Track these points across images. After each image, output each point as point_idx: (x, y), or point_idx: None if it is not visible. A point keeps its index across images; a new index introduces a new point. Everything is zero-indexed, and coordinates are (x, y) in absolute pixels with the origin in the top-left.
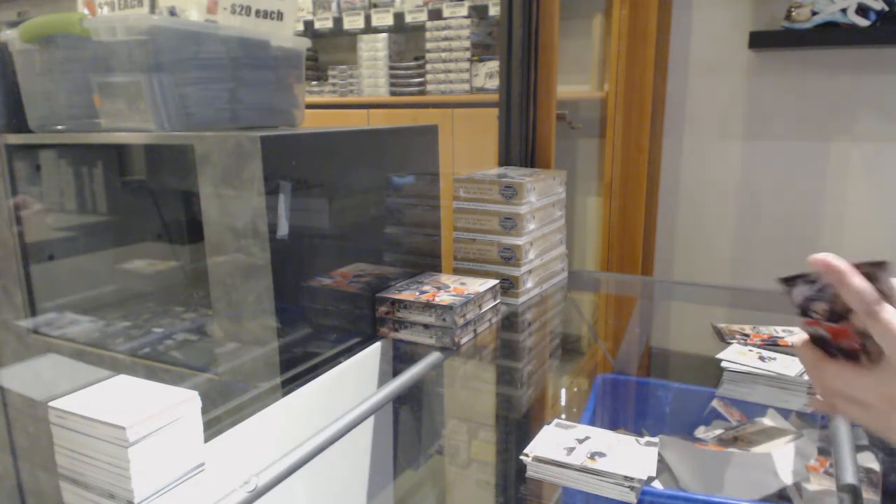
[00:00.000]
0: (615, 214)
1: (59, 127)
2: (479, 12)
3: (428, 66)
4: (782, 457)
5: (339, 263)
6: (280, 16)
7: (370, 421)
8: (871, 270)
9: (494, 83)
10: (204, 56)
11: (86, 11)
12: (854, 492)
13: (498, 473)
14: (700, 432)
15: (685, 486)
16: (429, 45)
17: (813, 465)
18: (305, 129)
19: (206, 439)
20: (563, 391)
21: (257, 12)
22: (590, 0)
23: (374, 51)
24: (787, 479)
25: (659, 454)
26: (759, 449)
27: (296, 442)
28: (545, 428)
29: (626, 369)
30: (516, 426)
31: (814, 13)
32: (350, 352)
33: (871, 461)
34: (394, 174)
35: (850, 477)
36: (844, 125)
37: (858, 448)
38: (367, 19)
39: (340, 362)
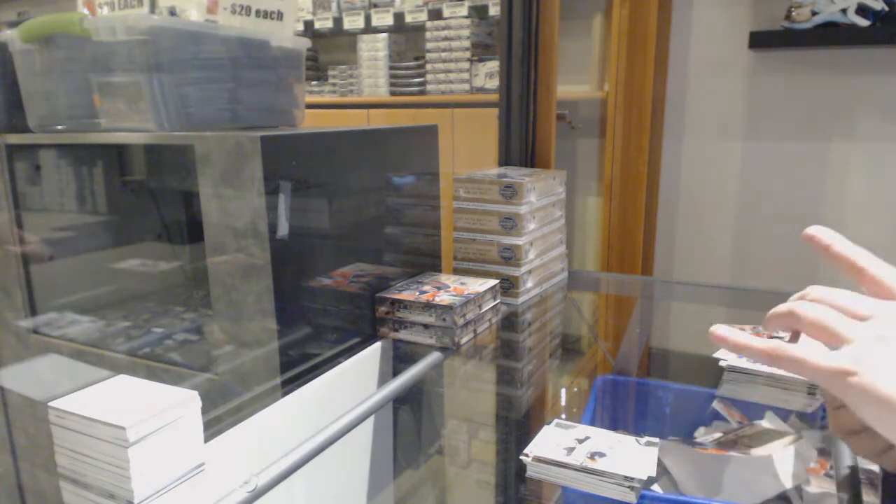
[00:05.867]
0: (615, 214)
1: (59, 127)
2: (479, 12)
3: (428, 66)
4: (782, 460)
5: (339, 263)
6: (280, 16)
7: (370, 421)
8: None
9: (494, 83)
10: (204, 56)
11: (86, 11)
12: (854, 493)
13: (498, 473)
14: (700, 433)
15: (685, 490)
16: (429, 45)
17: (813, 468)
18: (305, 129)
19: (206, 439)
20: (563, 391)
21: (257, 12)
22: (590, 0)
23: (374, 51)
24: (788, 482)
25: (659, 459)
26: (759, 451)
27: (296, 442)
28: (545, 428)
29: (626, 369)
30: (516, 426)
31: (814, 13)
32: (350, 352)
33: (871, 462)
34: (394, 174)
35: (850, 479)
36: (844, 125)
37: None
38: (367, 19)
39: (340, 362)
